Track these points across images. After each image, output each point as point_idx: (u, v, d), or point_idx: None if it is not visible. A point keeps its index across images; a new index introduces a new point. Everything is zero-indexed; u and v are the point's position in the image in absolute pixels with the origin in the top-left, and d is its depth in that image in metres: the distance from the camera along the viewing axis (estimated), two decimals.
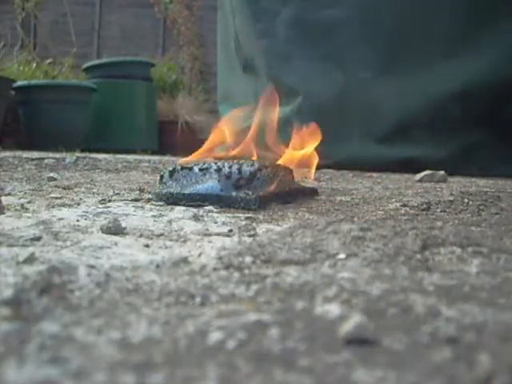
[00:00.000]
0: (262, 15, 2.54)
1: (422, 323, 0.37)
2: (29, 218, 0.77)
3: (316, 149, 1.23)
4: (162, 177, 1.04)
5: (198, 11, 5.56)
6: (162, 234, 0.69)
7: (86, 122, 4.02)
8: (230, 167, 0.98)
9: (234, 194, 0.95)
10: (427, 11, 2.26)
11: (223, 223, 0.79)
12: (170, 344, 0.32)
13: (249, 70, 2.78)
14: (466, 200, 1.11)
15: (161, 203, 0.98)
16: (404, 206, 1.03)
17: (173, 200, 0.98)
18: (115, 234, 0.68)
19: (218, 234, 0.70)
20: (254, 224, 0.79)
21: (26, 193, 1.09)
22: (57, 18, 5.43)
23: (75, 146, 3.52)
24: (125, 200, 1.02)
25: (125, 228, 0.71)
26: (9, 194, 1.06)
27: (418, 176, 1.70)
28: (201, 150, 1.20)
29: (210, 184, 0.98)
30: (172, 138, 4.52)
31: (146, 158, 2.93)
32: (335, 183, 1.60)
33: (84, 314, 0.37)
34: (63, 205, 0.93)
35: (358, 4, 2.34)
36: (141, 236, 0.68)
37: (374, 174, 2.00)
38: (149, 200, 1.02)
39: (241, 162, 1.02)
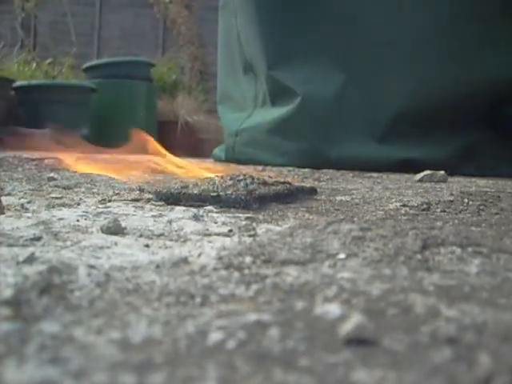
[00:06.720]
0: (263, 14, 2.53)
1: (421, 323, 0.37)
2: (29, 218, 0.77)
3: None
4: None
5: (197, 11, 5.57)
6: (162, 234, 0.69)
7: (86, 122, 4.02)
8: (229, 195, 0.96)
9: (233, 194, 0.95)
10: (429, 14, 2.25)
11: (223, 223, 0.79)
12: (170, 344, 0.32)
13: (249, 71, 2.77)
14: (466, 200, 1.11)
15: (161, 203, 0.98)
16: (404, 205, 1.03)
17: (173, 200, 0.98)
18: (115, 233, 0.68)
19: (218, 234, 0.70)
20: (254, 224, 0.79)
21: (26, 193, 1.09)
22: (57, 18, 5.43)
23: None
24: (125, 200, 1.02)
25: (125, 228, 0.71)
26: (9, 194, 1.06)
27: (418, 176, 1.70)
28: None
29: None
30: (172, 138, 4.52)
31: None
32: (335, 183, 1.60)
33: (84, 314, 0.37)
34: (63, 205, 0.93)
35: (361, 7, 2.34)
36: (141, 236, 0.68)
37: (374, 174, 2.00)
38: (149, 200, 1.01)
39: (237, 180, 1.00)
